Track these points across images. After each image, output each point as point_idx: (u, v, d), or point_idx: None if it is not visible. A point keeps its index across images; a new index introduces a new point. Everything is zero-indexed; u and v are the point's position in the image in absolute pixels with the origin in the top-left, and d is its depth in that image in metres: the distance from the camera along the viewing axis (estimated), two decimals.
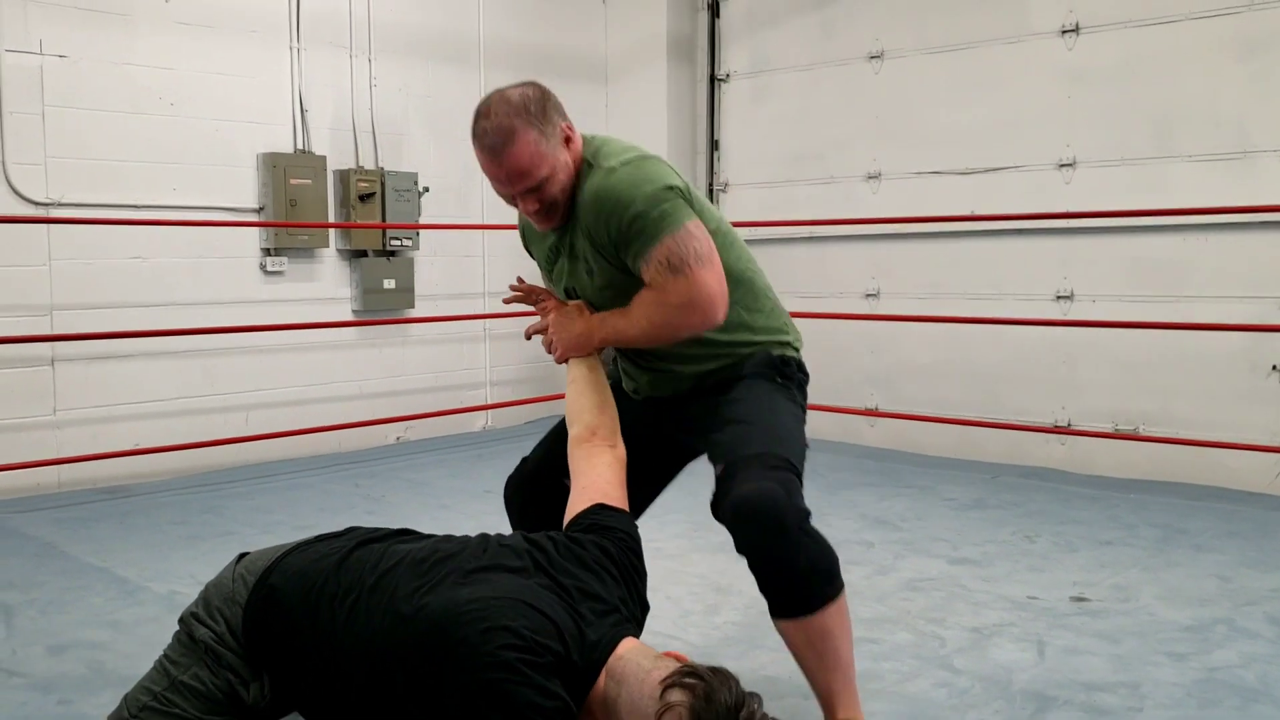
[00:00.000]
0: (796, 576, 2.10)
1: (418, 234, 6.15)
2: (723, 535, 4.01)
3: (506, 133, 2.17)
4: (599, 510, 2.06)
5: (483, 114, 2.21)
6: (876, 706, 2.58)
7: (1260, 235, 5.13)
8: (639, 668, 1.75)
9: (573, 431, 2.28)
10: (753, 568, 2.14)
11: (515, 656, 1.64)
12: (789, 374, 2.39)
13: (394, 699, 1.74)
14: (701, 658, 2.90)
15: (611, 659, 1.77)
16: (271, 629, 1.88)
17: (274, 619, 1.88)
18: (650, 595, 3.42)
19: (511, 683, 1.62)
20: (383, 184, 5.95)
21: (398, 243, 6.06)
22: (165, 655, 1.95)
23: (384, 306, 6.08)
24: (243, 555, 2.05)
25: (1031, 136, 5.71)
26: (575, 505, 2.11)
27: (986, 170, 5.89)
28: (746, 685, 2.70)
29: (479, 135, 2.20)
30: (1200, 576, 3.65)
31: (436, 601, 1.74)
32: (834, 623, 2.15)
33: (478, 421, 6.65)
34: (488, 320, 6.58)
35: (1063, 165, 5.65)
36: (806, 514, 2.12)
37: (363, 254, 5.98)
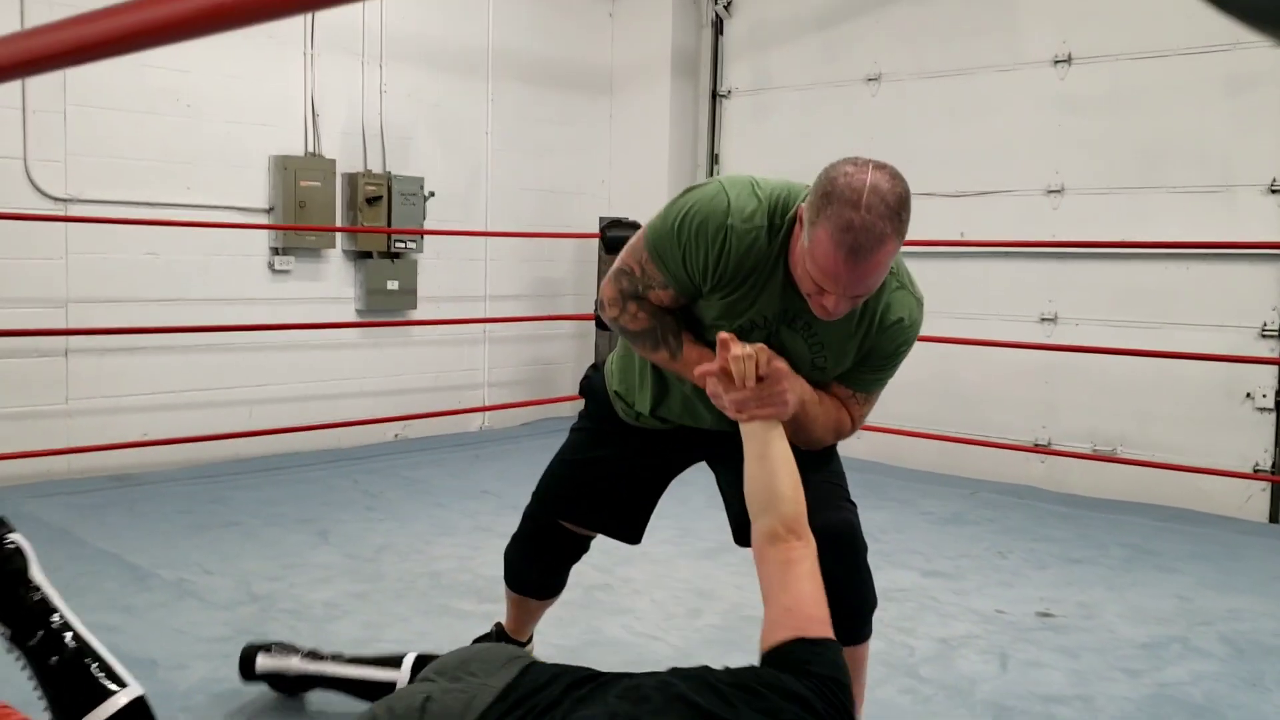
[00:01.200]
0: (859, 604, 2.23)
1: (422, 237, 6.31)
2: (708, 542, 4.22)
3: (878, 240, 1.87)
4: (802, 647, 1.73)
5: (854, 203, 1.86)
6: None
7: (1240, 267, 5.30)
8: None
9: (764, 522, 1.92)
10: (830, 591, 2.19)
11: None
12: None
13: None
14: (681, 659, 3.09)
15: None
16: None
17: None
18: (635, 598, 3.62)
19: None
20: (390, 188, 6.11)
21: (402, 245, 6.22)
22: None
23: (387, 307, 6.25)
24: (428, 700, 1.84)
25: (1022, 162, 5.89)
26: (776, 629, 1.78)
27: (977, 194, 6.06)
28: None
29: (842, 225, 1.86)
30: (1162, 596, 3.82)
31: None
32: (865, 656, 2.34)
33: (474, 422, 6.81)
34: (488, 324, 6.74)
35: (1051, 191, 5.82)
36: (867, 549, 2.29)
37: (368, 255, 6.14)
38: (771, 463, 1.98)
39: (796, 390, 2.07)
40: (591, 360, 7.31)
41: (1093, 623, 3.51)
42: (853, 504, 2.30)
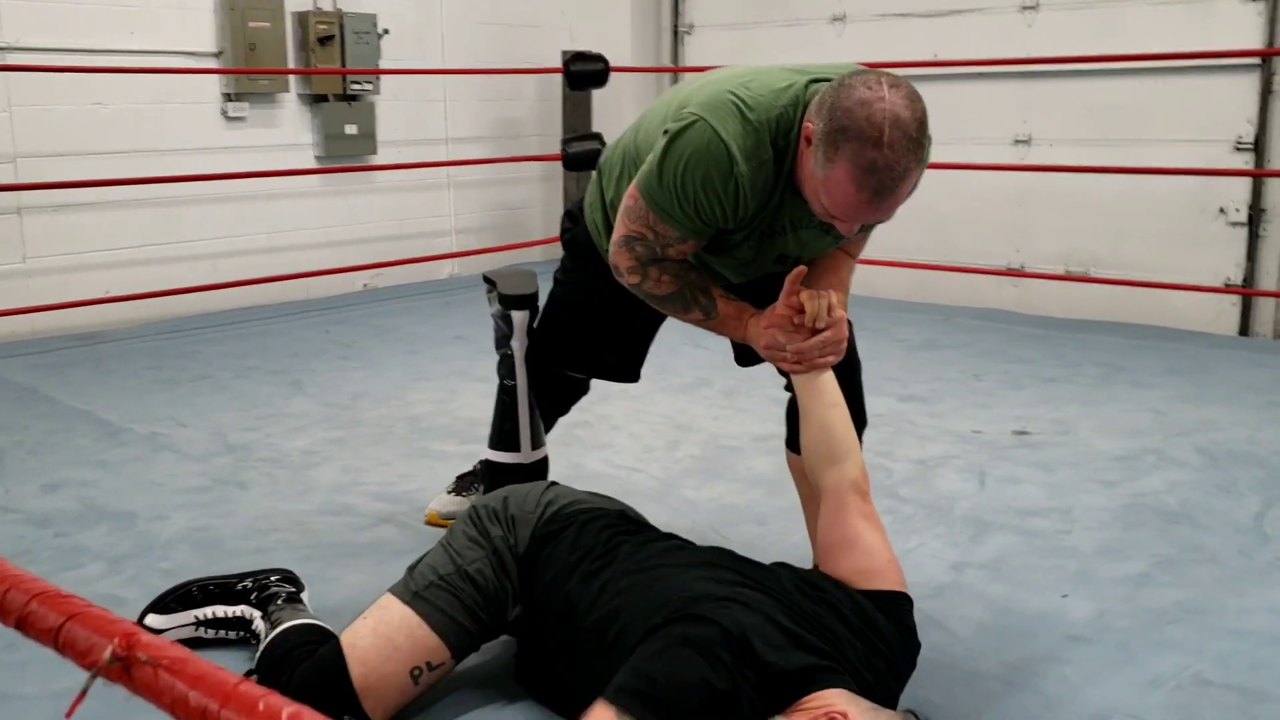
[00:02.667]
0: (858, 426, 2.19)
1: (378, 78, 6.09)
2: (684, 378, 4.22)
3: (902, 177, 1.76)
4: (904, 602, 1.84)
5: (875, 140, 1.72)
6: (792, 523, 2.75)
7: (1216, 79, 5.21)
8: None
9: (845, 469, 1.97)
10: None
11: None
12: None
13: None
14: (663, 489, 3.11)
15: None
16: (540, 568, 1.92)
17: (545, 560, 1.92)
18: (614, 433, 3.63)
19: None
20: (342, 26, 5.86)
21: (359, 87, 6.01)
22: (450, 544, 1.98)
23: (346, 153, 6.07)
24: (554, 484, 2.11)
25: None
26: (882, 576, 1.85)
27: (950, 13, 5.89)
28: (704, 513, 2.92)
29: (864, 166, 1.74)
30: (1136, 410, 3.86)
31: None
32: None
33: (444, 269, 6.72)
34: (451, 167, 6.58)
35: (1025, 8, 5.66)
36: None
37: (323, 99, 5.93)
38: (842, 411, 2.02)
39: (843, 330, 2.03)
40: (560, 204, 7.19)
41: (1068, 439, 3.55)
42: (850, 321, 2.25)
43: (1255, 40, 5.08)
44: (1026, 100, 5.69)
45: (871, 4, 6.15)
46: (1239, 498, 2.98)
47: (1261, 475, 3.15)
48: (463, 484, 2.93)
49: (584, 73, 6.44)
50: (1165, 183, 5.31)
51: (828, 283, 2.08)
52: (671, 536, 2.02)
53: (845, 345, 2.02)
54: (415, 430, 3.71)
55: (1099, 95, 5.50)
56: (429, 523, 2.86)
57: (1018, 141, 5.76)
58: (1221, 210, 5.29)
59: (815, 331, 1.99)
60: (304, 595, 2.25)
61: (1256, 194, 5.20)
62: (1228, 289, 5.26)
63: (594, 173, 2.35)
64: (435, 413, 3.92)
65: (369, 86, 6.05)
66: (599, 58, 6.44)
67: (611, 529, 1.98)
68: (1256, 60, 5.08)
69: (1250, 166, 5.17)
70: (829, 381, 2.03)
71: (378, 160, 6.23)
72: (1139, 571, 2.52)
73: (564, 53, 6.63)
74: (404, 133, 6.37)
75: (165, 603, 2.21)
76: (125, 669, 0.71)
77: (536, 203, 7.25)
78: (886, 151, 1.72)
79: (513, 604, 1.96)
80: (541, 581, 1.92)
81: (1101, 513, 2.90)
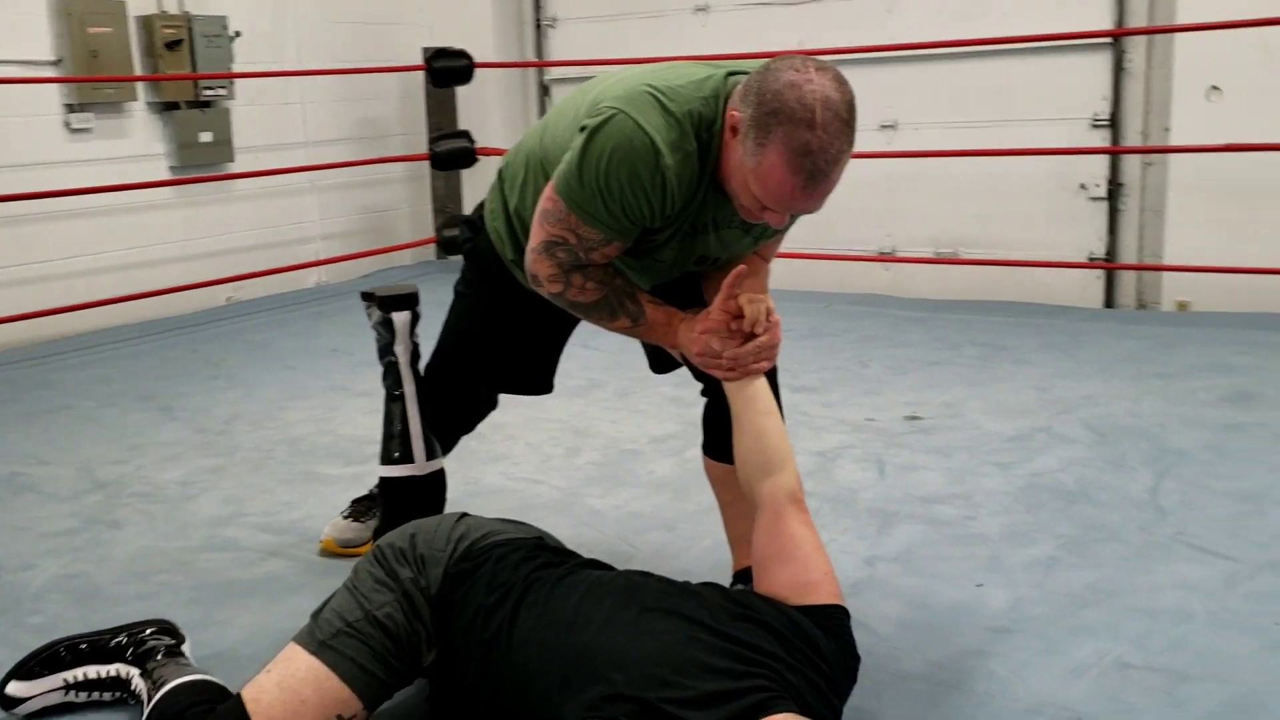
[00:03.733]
0: None
1: (232, 82, 5.82)
2: (577, 380, 4.13)
3: (835, 159, 1.71)
4: (841, 615, 1.78)
5: (808, 122, 1.68)
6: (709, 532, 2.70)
7: (1072, 58, 5.35)
8: None
9: (783, 480, 1.90)
10: (718, 411, 2.15)
11: None
12: None
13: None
14: (566, 499, 3.03)
15: None
16: (455, 611, 1.82)
17: (461, 603, 1.82)
18: (510, 443, 3.52)
19: None
20: (190, 30, 5.58)
21: (211, 92, 5.74)
22: (356, 587, 1.85)
23: (202, 162, 5.79)
24: (464, 516, 1.99)
25: None
26: (817, 590, 1.79)
27: (812, 0, 5.92)
28: (610, 522, 2.85)
29: (798, 149, 1.69)
30: (1021, 389, 3.93)
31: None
32: None
33: (311, 278, 6.48)
34: (313, 172, 6.34)
35: None
36: None
37: (174, 106, 5.64)
38: (776, 419, 1.97)
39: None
40: (429, 204, 7.01)
41: (959, 421, 3.59)
42: None
43: (1106, 21, 5.23)
44: (891, 86, 5.75)
45: None
46: (1131, 472, 3.05)
47: (1148, 448, 3.23)
48: (359, 508, 2.78)
49: (447, 69, 6.28)
50: (1028, 162, 5.43)
51: (754, 285, 2.02)
52: (590, 564, 1.94)
53: (778, 351, 1.97)
54: (297, 453, 3.54)
55: (961, 78, 5.60)
56: (324, 552, 2.72)
57: (884, 127, 5.82)
58: (1082, 186, 5.44)
59: (750, 336, 1.93)
60: (185, 647, 2.10)
61: (1114, 169, 5.36)
62: (1092, 263, 5.42)
63: (495, 179, 2.24)
64: (317, 433, 3.75)
65: (222, 91, 5.77)
66: (462, 54, 6.29)
67: (530, 562, 1.88)
68: (1109, 40, 5.24)
69: (1107, 143, 5.33)
70: (762, 388, 1.97)
71: (235, 168, 5.96)
72: (1047, 555, 2.55)
73: (424, 50, 6.45)
74: (262, 138, 6.10)
75: (29, 667, 2.02)
76: None
77: (404, 204, 7.05)
78: (820, 133, 1.68)
79: (427, 648, 1.85)
80: (458, 624, 1.82)
81: (1002, 496, 2.93)
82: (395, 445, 2.42)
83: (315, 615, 1.86)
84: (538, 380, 2.44)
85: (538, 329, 2.27)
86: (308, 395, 4.21)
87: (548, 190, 1.96)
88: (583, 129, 1.87)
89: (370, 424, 3.80)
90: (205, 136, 5.75)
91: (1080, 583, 2.39)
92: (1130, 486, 2.94)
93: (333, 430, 3.76)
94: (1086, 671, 2.03)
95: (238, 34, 5.80)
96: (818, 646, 1.69)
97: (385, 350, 2.50)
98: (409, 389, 2.45)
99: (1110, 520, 2.73)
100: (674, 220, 1.93)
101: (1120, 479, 3.00)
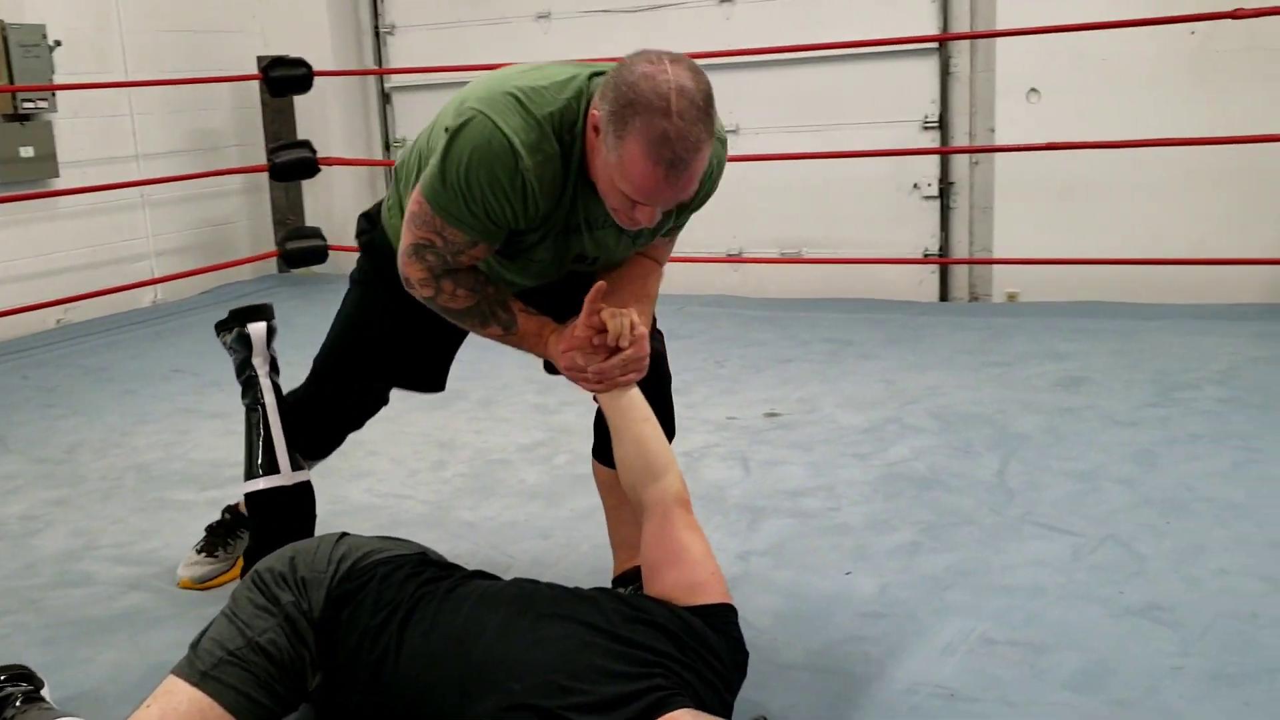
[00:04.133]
0: (666, 429, 2.16)
1: (53, 94, 5.55)
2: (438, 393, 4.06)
3: (695, 147, 1.70)
4: (729, 613, 1.82)
5: (663, 110, 1.68)
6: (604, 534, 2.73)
7: (902, 63, 5.58)
8: None
9: (668, 483, 1.94)
10: None
11: None
12: None
13: None
14: (436, 513, 3.00)
15: None
16: (340, 633, 1.79)
17: (346, 625, 1.79)
18: (373, 459, 3.47)
19: None
20: (4, 38, 5.29)
21: (31, 105, 5.46)
22: (236, 614, 1.80)
23: (23, 178, 5.50)
24: (344, 536, 1.95)
25: None
26: (706, 590, 1.82)
27: (651, 8, 6.01)
28: (484, 533, 2.84)
29: (656, 138, 1.68)
30: (869, 382, 4.08)
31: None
32: None
33: (146, 296, 6.22)
34: (145, 186, 6.10)
35: (723, 1, 5.86)
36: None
37: None
38: (654, 425, 1.99)
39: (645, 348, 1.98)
40: (268, 216, 6.83)
41: (816, 415, 3.70)
42: (660, 333, 2.23)
43: (932, 27, 5.48)
44: (732, 91, 5.86)
45: (575, 1, 6.18)
46: (978, 457, 3.21)
47: (991, 433, 3.41)
48: (214, 540, 2.68)
49: (285, 78, 6.14)
50: (864, 164, 5.64)
51: (632, 292, 2.05)
52: (477, 575, 1.94)
53: (647, 363, 1.98)
54: (147, 480, 3.41)
55: (799, 83, 5.77)
56: (183, 587, 2.63)
57: (728, 131, 5.94)
58: (915, 186, 5.68)
59: (617, 350, 1.95)
60: (44, 691, 2.01)
61: (944, 169, 5.62)
62: (926, 259, 5.67)
63: (393, 174, 2.21)
64: (166, 458, 3.61)
65: (44, 104, 5.50)
66: (300, 62, 6.15)
67: (415, 579, 1.86)
68: (935, 45, 5.48)
69: (937, 144, 5.58)
70: (636, 397, 1.99)
71: (60, 184, 5.68)
72: (909, 541, 2.66)
73: (260, 58, 6.29)
74: (89, 152, 5.84)
75: None
76: None
77: (242, 217, 6.84)
78: (676, 120, 1.69)
79: (312, 672, 1.82)
80: (344, 646, 1.79)
81: (862, 486, 3.05)
82: (259, 458, 2.37)
83: (194, 645, 1.81)
84: (432, 377, 2.41)
85: (432, 325, 2.24)
86: (153, 419, 4.05)
87: (415, 193, 1.96)
88: (446, 130, 1.88)
89: (223, 446, 3.69)
90: (26, 151, 5.46)
91: (941, 565, 2.51)
92: (978, 471, 3.10)
93: (184, 455, 3.63)
94: (955, 649, 2.13)
95: (57, 43, 5.53)
96: (709, 644, 1.74)
97: (243, 365, 2.44)
98: (269, 400, 2.40)
99: (963, 504, 2.87)
100: (542, 222, 1.94)
101: (969, 464, 3.15)
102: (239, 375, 2.47)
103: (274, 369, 2.49)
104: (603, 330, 1.95)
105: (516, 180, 1.84)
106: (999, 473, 3.08)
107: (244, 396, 2.45)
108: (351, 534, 1.99)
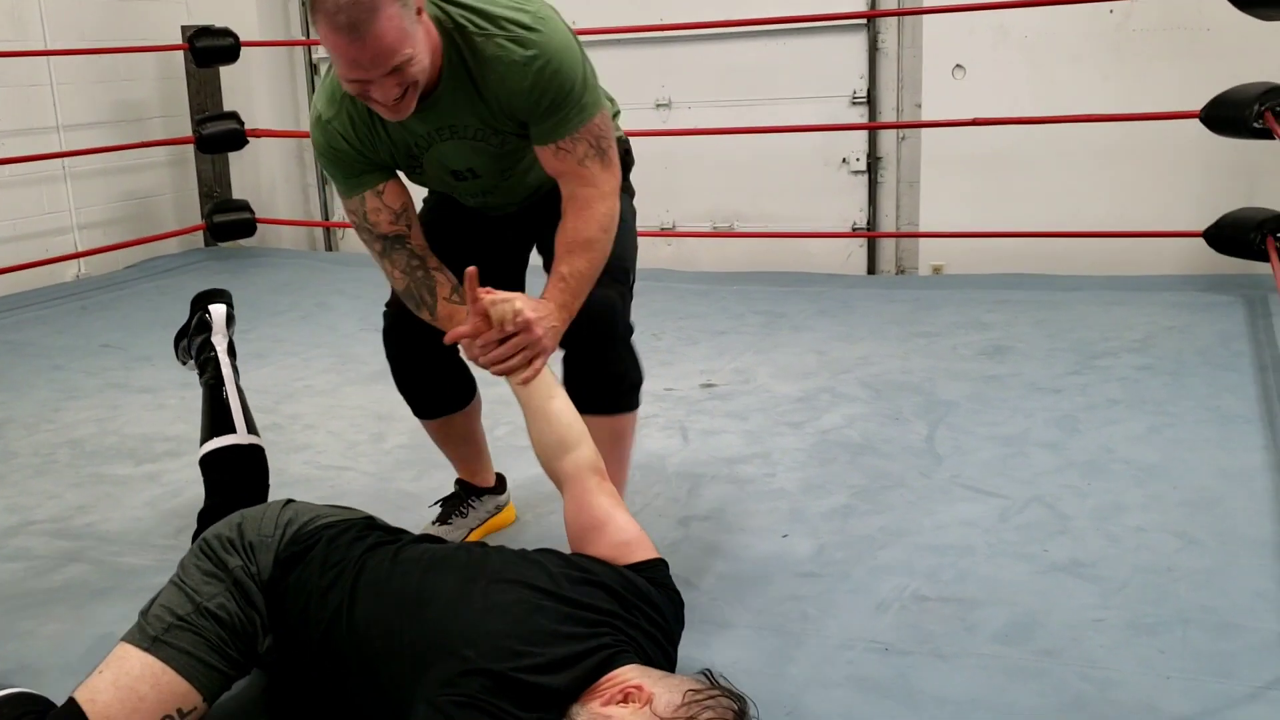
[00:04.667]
0: (611, 379, 2.24)
1: None
2: (371, 366, 4.09)
3: (367, 8, 1.79)
4: (661, 567, 1.88)
5: None
6: (550, 505, 2.78)
7: (831, 38, 5.65)
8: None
9: (582, 453, 1.98)
10: (572, 364, 2.22)
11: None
12: (624, 165, 2.34)
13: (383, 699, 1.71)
14: (378, 484, 3.03)
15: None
16: (289, 595, 1.83)
17: (294, 587, 1.83)
18: (310, 433, 3.48)
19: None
20: None
21: None
22: (184, 581, 1.82)
23: None
24: (290, 501, 1.99)
25: None
26: (636, 549, 1.88)
27: None
28: (426, 504, 2.87)
29: (328, 10, 1.79)
30: (802, 353, 4.16)
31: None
32: (628, 428, 2.34)
33: (69, 270, 6.10)
34: (66, 158, 5.97)
35: None
36: (631, 329, 2.29)
37: None
38: (563, 400, 2.04)
39: (549, 321, 2.00)
40: (195, 189, 6.72)
41: (751, 386, 3.78)
42: (623, 282, 2.25)
43: (861, 3, 5.56)
44: (664, 66, 5.92)
45: None
46: (907, 424, 3.31)
47: (920, 401, 3.51)
48: (448, 510, 2.68)
49: (211, 49, 6.03)
50: (794, 139, 5.71)
51: (564, 242, 2.06)
52: (423, 539, 1.98)
53: (544, 344, 1.99)
54: (81, 455, 3.38)
55: (729, 58, 5.82)
56: None
57: (659, 105, 5.99)
58: (844, 160, 5.77)
59: (509, 336, 1.96)
60: None
61: (872, 144, 5.71)
62: (855, 233, 5.77)
63: None
64: (99, 433, 3.58)
65: None
66: (227, 32, 6.05)
67: (361, 541, 1.89)
68: (863, 21, 5.56)
69: (865, 119, 5.67)
70: (543, 376, 2.02)
71: None
72: (842, 504, 2.74)
73: (185, 28, 6.17)
74: (7, 123, 5.70)
75: None
76: None
77: (168, 189, 6.72)
78: None
79: (263, 635, 1.84)
80: (294, 608, 1.82)
81: (797, 453, 3.13)
82: (215, 422, 2.41)
83: (144, 613, 1.82)
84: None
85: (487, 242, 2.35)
86: (83, 395, 4.00)
87: None
88: None
89: (156, 420, 3.67)
90: None
91: (875, 527, 2.60)
92: (908, 437, 3.19)
93: (117, 430, 3.60)
94: (889, 606, 2.22)
95: None
96: (650, 600, 1.80)
97: (204, 346, 2.45)
98: (227, 373, 2.44)
99: (894, 469, 2.96)
100: (393, 156, 2.14)
101: (899, 431, 3.25)
102: (196, 358, 2.48)
103: (231, 352, 2.50)
104: (487, 317, 1.97)
105: (329, 132, 2.09)
106: (928, 438, 3.18)
107: (202, 375, 2.47)
108: (297, 500, 2.02)
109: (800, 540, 2.55)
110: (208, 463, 2.38)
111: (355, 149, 2.09)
